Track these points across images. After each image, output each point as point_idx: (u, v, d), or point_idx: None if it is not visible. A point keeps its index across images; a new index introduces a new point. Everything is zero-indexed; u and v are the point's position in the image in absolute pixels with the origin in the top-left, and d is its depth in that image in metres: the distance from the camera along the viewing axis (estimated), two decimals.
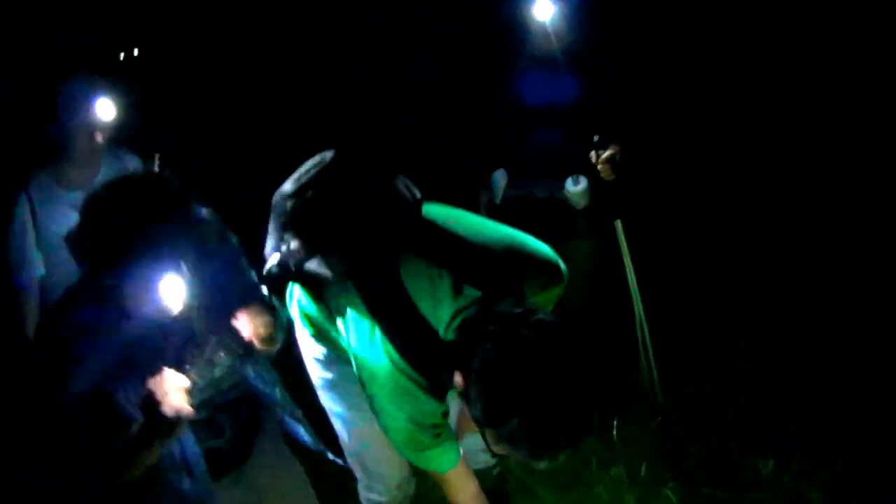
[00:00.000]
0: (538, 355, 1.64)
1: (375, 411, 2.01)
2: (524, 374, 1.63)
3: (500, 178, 3.27)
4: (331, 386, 2.30)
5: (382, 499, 2.44)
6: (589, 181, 3.19)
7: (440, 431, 2.02)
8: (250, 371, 1.98)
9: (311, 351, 2.32)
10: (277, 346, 2.00)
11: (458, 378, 1.76)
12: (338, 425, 2.34)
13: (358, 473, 2.46)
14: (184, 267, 1.65)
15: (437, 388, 1.94)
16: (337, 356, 2.17)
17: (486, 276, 1.91)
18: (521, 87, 3.19)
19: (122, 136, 2.95)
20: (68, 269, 2.27)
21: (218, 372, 1.88)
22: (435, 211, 2.09)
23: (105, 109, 2.75)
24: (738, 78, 4.98)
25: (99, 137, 2.80)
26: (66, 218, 2.50)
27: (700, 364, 3.54)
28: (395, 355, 1.89)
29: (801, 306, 3.81)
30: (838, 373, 3.37)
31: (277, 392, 2.06)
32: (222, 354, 1.87)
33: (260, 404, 2.06)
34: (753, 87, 4.99)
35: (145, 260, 1.66)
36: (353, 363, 2.00)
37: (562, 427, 1.66)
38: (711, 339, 3.69)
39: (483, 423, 1.70)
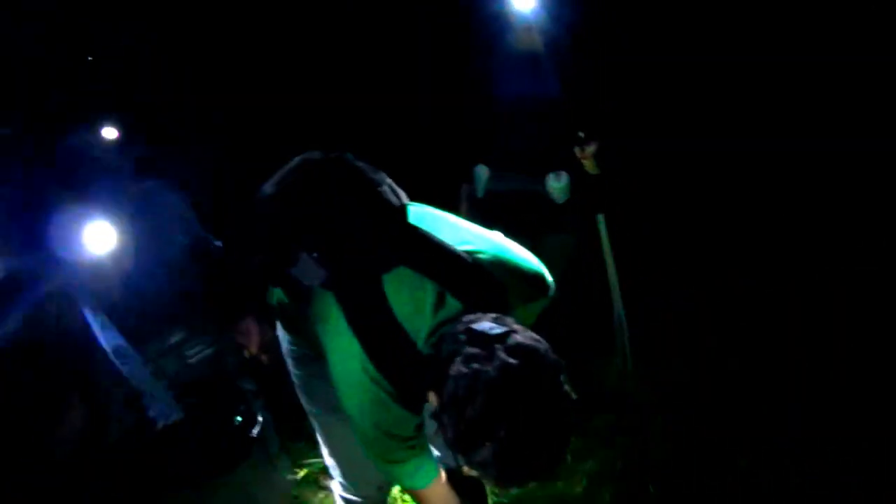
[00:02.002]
0: (513, 385, 1.59)
1: (349, 417, 1.95)
2: (497, 406, 1.58)
3: (482, 171, 3.27)
4: (308, 384, 2.26)
5: (359, 499, 2.38)
6: (570, 176, 3.21)
7: (413, 444, 1.94)
8: (230, 362, 1.96)
9: (289, 349, 2.29)
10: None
11: (431, 398, 1.74)
12: (315, 424, 2.31)
13: (335, 473, 2.41)
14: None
15: (410, 401, 1.88)
16: (316, 354, 2.10)
17: (471, 287, 1.88)
18: (503, 81, 3.18)
19: None
20: None
21: (193, 361, 1.87)
22: (420, 215, 2.04)
23: None
24: (724, 72, 5.00)
25: None
26: None
27: (675, 358, 3.58)
28: (370, 364, 1.83)
29: (781, 301, 3.85)
30: (815, 366, 3.40)
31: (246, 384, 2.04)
32: (196, 347, 1.86)
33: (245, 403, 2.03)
34: (740, 80, 5.02)
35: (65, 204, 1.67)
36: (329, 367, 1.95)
37: (533, 461, 1.62)
38: (688, 332, 3.73)
39: (453, 450, 1.66)
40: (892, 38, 4.65)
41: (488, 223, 3.26)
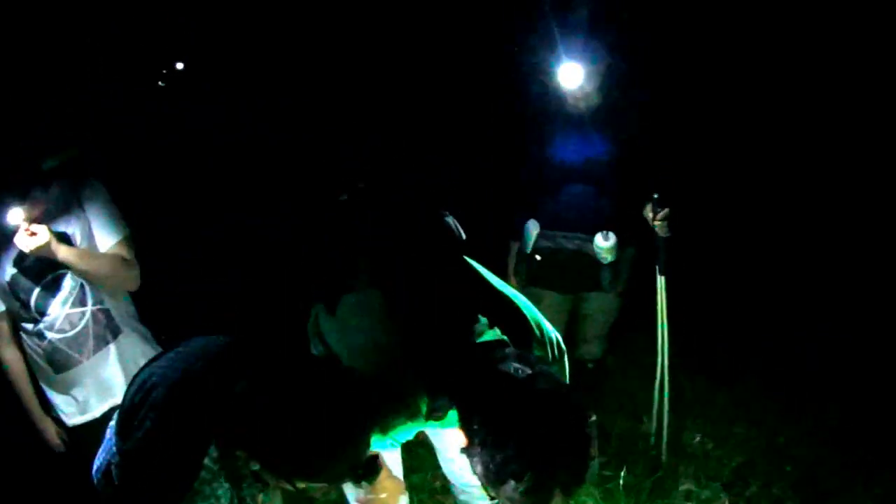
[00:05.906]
0: (540, 433, 1.72)
1: None
2: (525, 453, 1.71)
3: (532, 227, 3.39)
4: None
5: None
6: (617, 237, 3.30)
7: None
8: None
9: None
10: None
11: (460, 435, 1.83)
12: None
13: None
14: None
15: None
16: None
17: (506, 319, 2.03)
18: (556, 144, 3.30)
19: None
20: None
21: None
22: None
23: None
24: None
25: None
26: None
27: (705, 420, 3.58)
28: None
29: (818, 372, 3.81)
30: (839, 434, 3.39)
31: None
32: None
33: None
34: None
35: None
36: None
37: (554, 493, 1.74)
38: (718, 398, 3.74)
39: (483, 482, 1.80)
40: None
41: (535, 279, 3.43)
